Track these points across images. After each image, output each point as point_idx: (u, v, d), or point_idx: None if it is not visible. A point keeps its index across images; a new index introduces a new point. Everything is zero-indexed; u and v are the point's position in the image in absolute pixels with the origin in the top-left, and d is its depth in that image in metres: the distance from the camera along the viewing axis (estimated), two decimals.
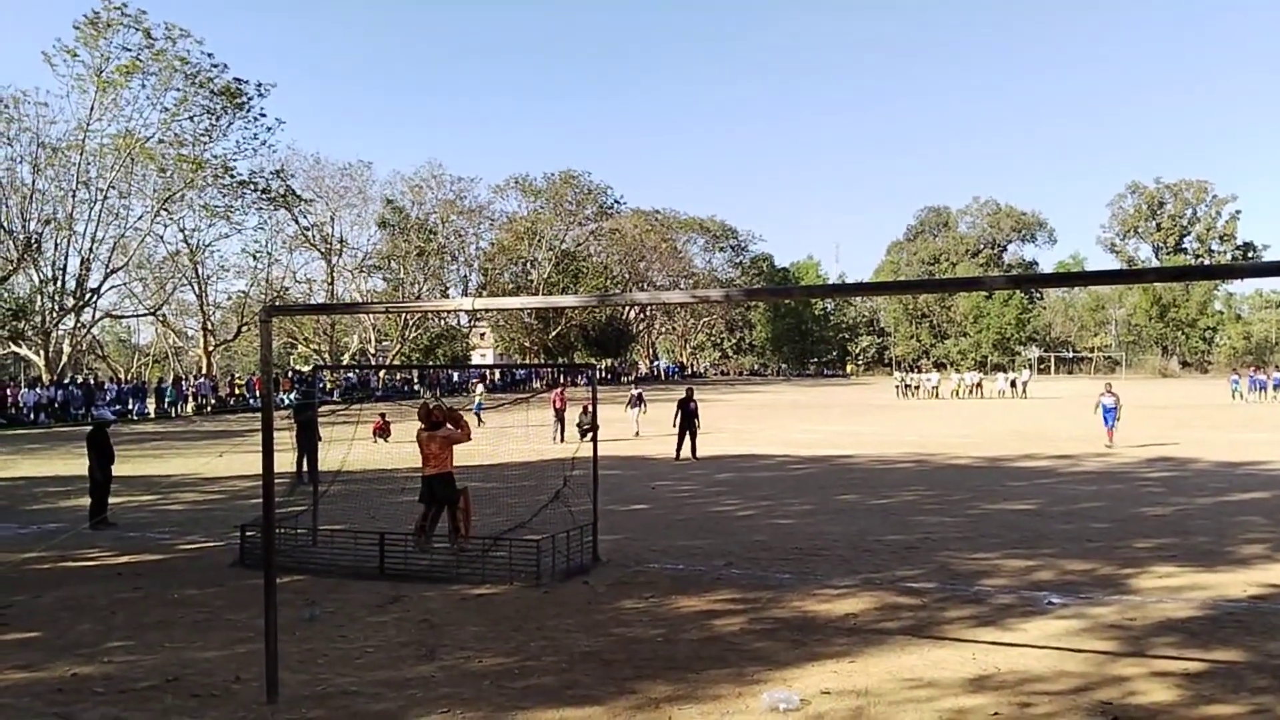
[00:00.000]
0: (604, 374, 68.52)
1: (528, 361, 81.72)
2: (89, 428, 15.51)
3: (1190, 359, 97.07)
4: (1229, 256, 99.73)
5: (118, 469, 14.81)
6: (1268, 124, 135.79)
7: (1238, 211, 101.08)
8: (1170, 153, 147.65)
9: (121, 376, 63.91)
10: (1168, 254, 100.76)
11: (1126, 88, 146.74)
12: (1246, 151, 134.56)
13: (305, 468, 18.00)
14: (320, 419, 19.81)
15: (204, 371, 57.62)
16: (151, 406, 46.05)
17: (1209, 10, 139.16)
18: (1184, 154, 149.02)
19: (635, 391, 30.87)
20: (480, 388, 37.73)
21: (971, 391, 56.58)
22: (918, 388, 56.18)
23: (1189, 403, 46.07)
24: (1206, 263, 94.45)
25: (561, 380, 44.93)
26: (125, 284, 58.31)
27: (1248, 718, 5.84)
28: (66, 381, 46.42)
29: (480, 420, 30.43)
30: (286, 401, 43.71)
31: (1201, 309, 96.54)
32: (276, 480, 6.66)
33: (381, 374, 58.13)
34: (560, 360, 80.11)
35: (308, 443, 18.05)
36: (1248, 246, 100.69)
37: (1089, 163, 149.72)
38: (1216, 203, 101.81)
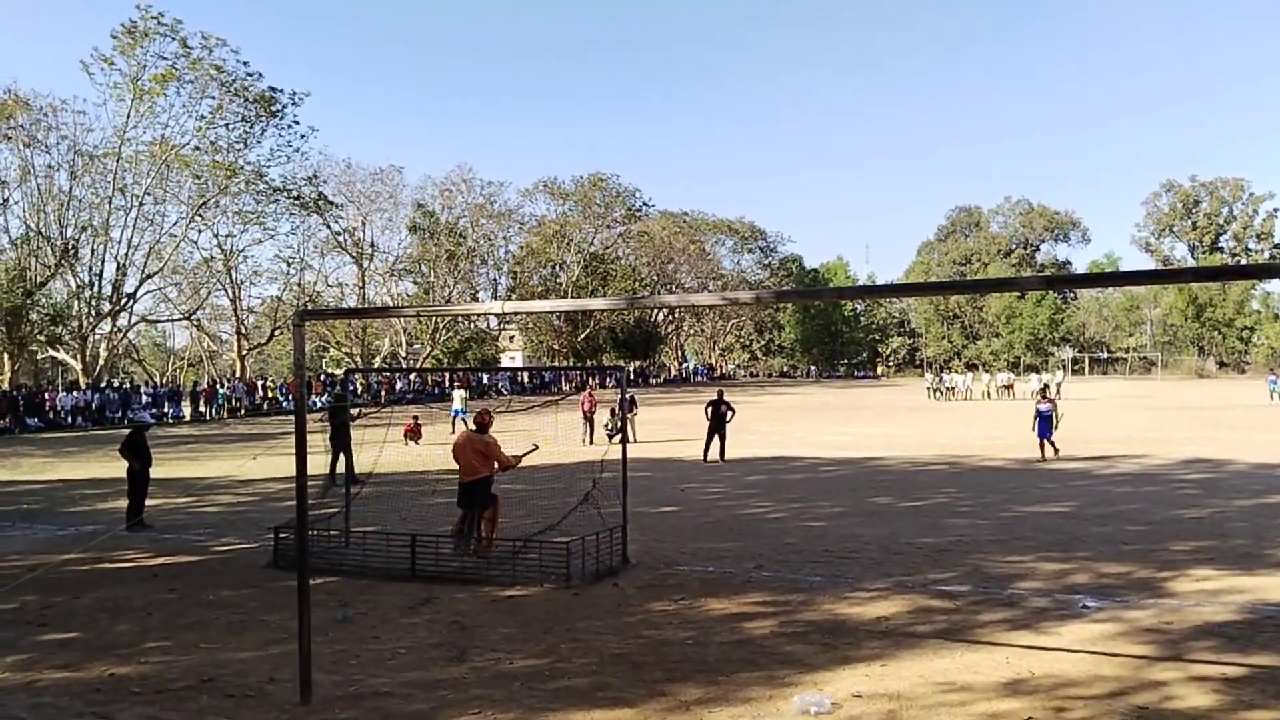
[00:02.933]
0: (634, 376, 68.52)
1: (556, 364, 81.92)
2: (127, 431, 15.72)
3: (1227, 359, 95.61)
4: (1266, 255, 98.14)
5: (154, 472, 15.00)
6: None
7: (1275, 209, 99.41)
8: (1206, 150, 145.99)
9: (157, 380, 64.82)
10: (1204, 253, 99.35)
11: (1161, 85, 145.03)
12: None
13: (339, 469, 18.26)
14: (353, 422, 20.05)
15: (238, 375, 58.23)
16: (187, 409, 46.61)
17: (1245, 6, 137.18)
18: (1220, 151, 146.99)
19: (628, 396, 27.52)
20: (461, 393, 36.12)
21: (1000, 393, 55.95)
22: (952, 389, 55.66)
23: (1226, 403, 45.39)
24: (1243, 261, 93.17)
25: (590, 382, 45.04)
26: (160, 289, 59.16)
27: None
28: (103, 385, 47.12)
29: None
30: (319, 404, 44.16)
31: (1238, 308, 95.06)
32: (310, 482, 6.73)
33: (413, 376, 58.39)
34: (589, 362, 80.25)
35: (342, 445, 18.31)
36: None
37: (1123, 161, 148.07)
38: (1253, 200, 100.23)
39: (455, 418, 30.98)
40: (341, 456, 18.31)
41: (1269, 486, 16.72)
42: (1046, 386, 25.41)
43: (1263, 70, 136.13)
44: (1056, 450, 21.46)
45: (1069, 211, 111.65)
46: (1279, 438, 26.74)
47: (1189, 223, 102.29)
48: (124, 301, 52.85)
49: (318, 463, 11.35)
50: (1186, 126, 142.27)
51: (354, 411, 22.68)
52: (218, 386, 50.39)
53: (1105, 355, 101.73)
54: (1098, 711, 6.00)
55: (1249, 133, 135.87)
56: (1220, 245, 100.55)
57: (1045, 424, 21.49)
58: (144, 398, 45.40)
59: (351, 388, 39.02)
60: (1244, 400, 47.40)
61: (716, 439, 22.31)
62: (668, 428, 31.24)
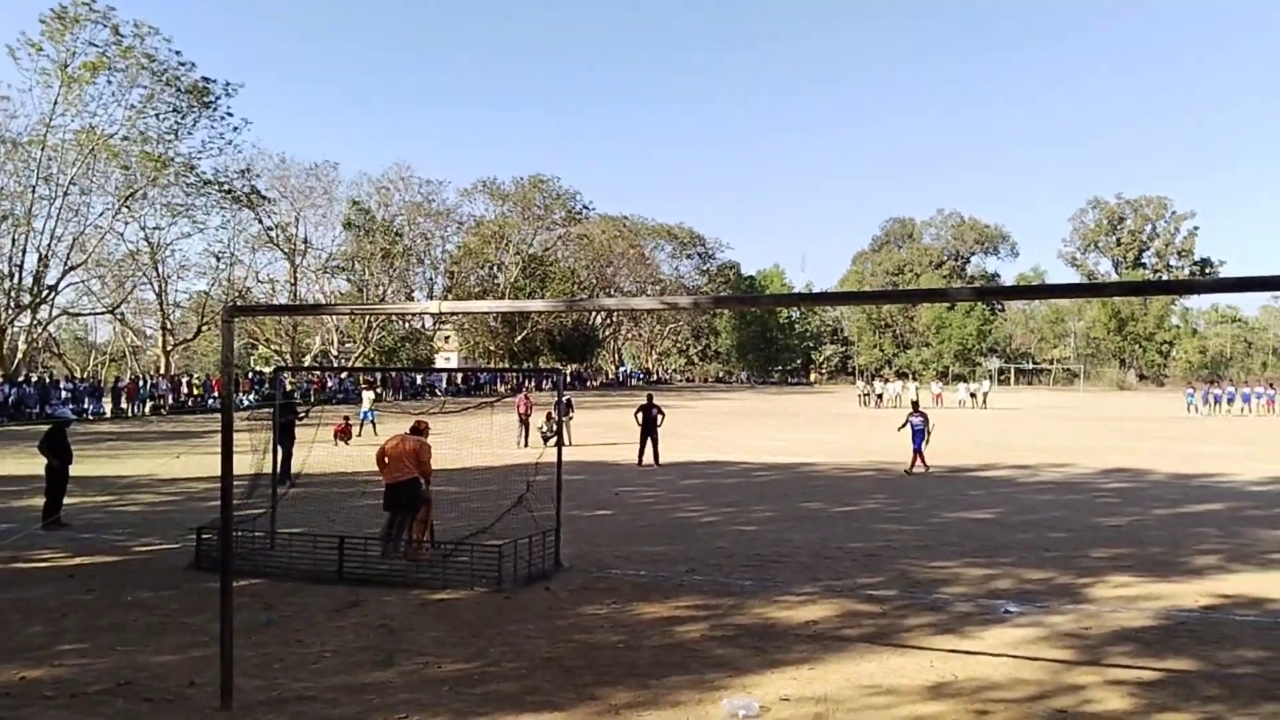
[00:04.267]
0: (570, 379, 68.31)
1: (492, 365, 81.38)
2: (46, 427, 15.22)
3: (1147, 372, 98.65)
4: (1186, 272, 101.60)
5: (73, 469, 14.55)
6: (1226, 141, 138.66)
7: (1196, 228, 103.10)
8: (1131, 168, 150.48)
9: (77, 375, 62.90)
10: (1127, 268, 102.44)
11: (1089, 104, 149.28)
12: (1206, 168, 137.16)
13: (288, 468, 18.02)
14: (299, 421, 19.81)
15: (162, 371, 56.79)
16: (108, 406, 45.32)
17: (1170, 31, 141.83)
18: (1145, 170, 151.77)
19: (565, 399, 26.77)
20: (369, 394, 35.22)
21: (934, 401, 57.03)
22: (881, 396, 56.57)
23: (1145, 415, 46.78)
24: (1165, 278, 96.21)
25: (526, 385, 44.76)
26: (83, 281, 57.39)
27: None
28: (21, 380, 45.57)
29: (375, 429, 29.01)
30: (246, 403, 43.26)
31: (1159, 323, 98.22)
32: (235, 482, 6.58)
33: (343, 376, 57.51)
34: (525, 365, 79.89)
35: (286, 445, 18.06)
36: (1205, 262, 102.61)
37: (1051, 178, 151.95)
38: (1175, 219, 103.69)
39: (364, 420, 30.40)
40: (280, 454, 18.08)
41: (1186, 496, 17.26)
42: (916, 401, 25.27)
43: (1187, 92, 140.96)
44: (926, 466, 20.91)
45: (999, 225, 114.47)
46: (1196, 449, 27.64)
47: (1113, 239, 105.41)
48: (45, 294, 51.23)
49: (243, 462, 11.09)
50: (1113, 146, 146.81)
51: (301, 411, 22.32)
52: (140, 383, 49.07)
53: (1031, 366, 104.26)
54: (1019, 714, 6.13)
55: (1173, 153, 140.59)
56: (1143, 261, 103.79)
57: (918, 437, 21.06)
58: (64, 393, 44.00)
59: (281, 387, 38.18)
60: (1163, 412, 48.93)
61: (650, 443, 22.38)
62: (603, 431, 31.22)
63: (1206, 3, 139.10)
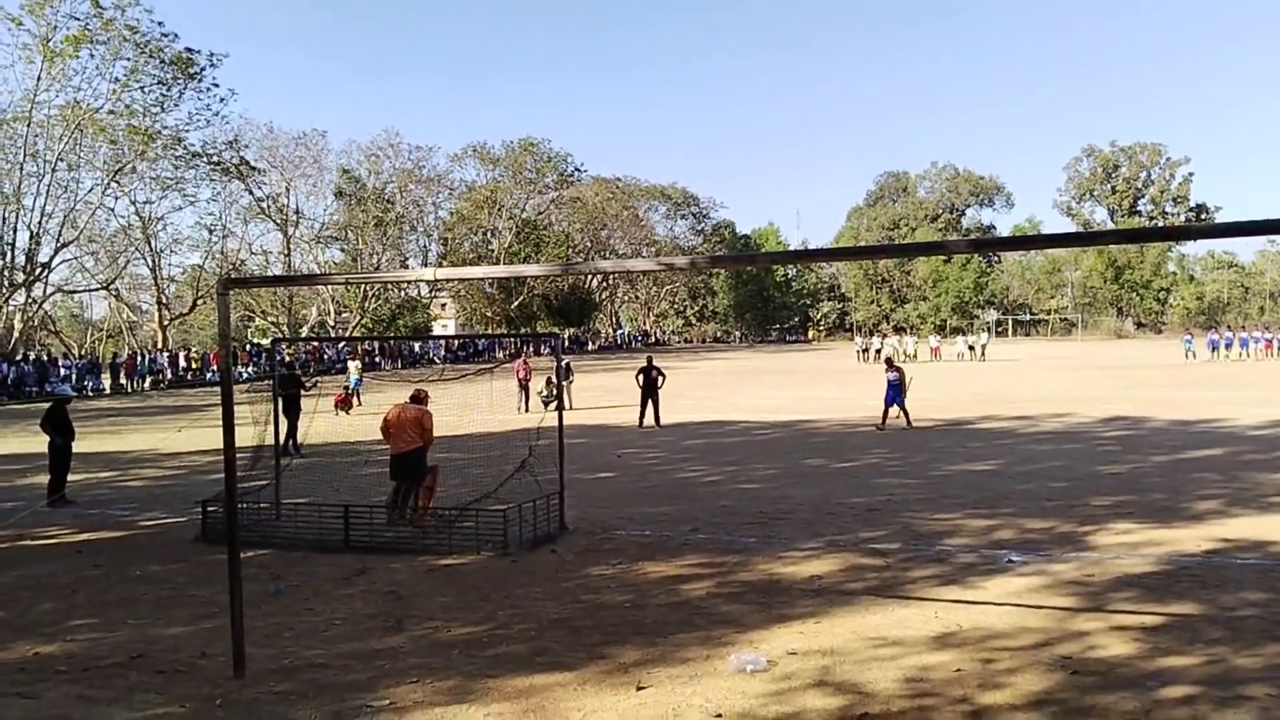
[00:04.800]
0: (568, 343, 68.32)
1: (490, 331, 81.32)
2: (46, 405, 15.23)
3: (1145, 320, 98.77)
4: (1183, 218, 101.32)
5: (76, 446, 14.57)
6: (1220, 86, 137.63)
7: (1191, 174, 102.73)
8: (1125, 116, 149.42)
9: (75, 352, 62.83)
10: (1123, 216, 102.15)
11: (1082, 52, 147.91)
12: (1200, 114, 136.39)
13: (296, 440, 18.24)
14: (305, 392, 19.94)
15: (159, 346, 56.73)
16: (107, 382, 45.32)
17: None
18: (1139, 117, 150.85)
19: (565, 363, 22.94)
20: (355, 364, 34.79)
21: (933, 354, 57.16)
22: (878, 351, 56.60)
23: (1143, 363, 46.88)
24: (1161, 224, 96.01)
25: (525, 350, 44.76)
26: (77, 258, 57.22)
27: (1203, 669, 5.98)
28: (19, 358, 45.52)
29: (359, 400, 28.65)
30: (244, 375, 43.25)
31: (1155, 271, 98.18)
32: (238, 455, 6.58)
33: (341, 345, 57.45)
34: (523, 330, 79.83)
35: (292, 416, 18.23)
36: (1201, 208, 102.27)
37: (1046, 127, 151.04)
38: (1170, 165, 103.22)
39: (354, 389, 30.03)
40: (285, 426, 18.29)
41: (1185, 443, 17.33)
42: (891, 357, 25.05)
43: (1181, 37, 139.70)
44: (909, 419, 20.82)
45: (993, 176, 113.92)
46: (1194, 395, 27.73)
47: (1109, 187, 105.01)
48: (38, 271, 51.03)
49: (245, 434, 11.10)
50: (1107, 92, 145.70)
51: (306, 382, 22.36)
52: (139, 358, 49.02)
53: (1028, 317, 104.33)
54: (1024, 662, 6.19)
55: (1167, 98, 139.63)
56: (1138, 209, 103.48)
57: (894, 391, 21.03)
58: (62, 370, 43.99)
59: (279, 358, 38.12)
60: (1161, 360, 49.02)
61: (650, 404, 22.42)
62: (603, 394, 31.26)
63: None
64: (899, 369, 21.59)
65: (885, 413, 21.04)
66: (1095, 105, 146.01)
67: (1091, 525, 10.38)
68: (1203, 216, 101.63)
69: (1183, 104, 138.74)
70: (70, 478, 14.18)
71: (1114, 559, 8.90)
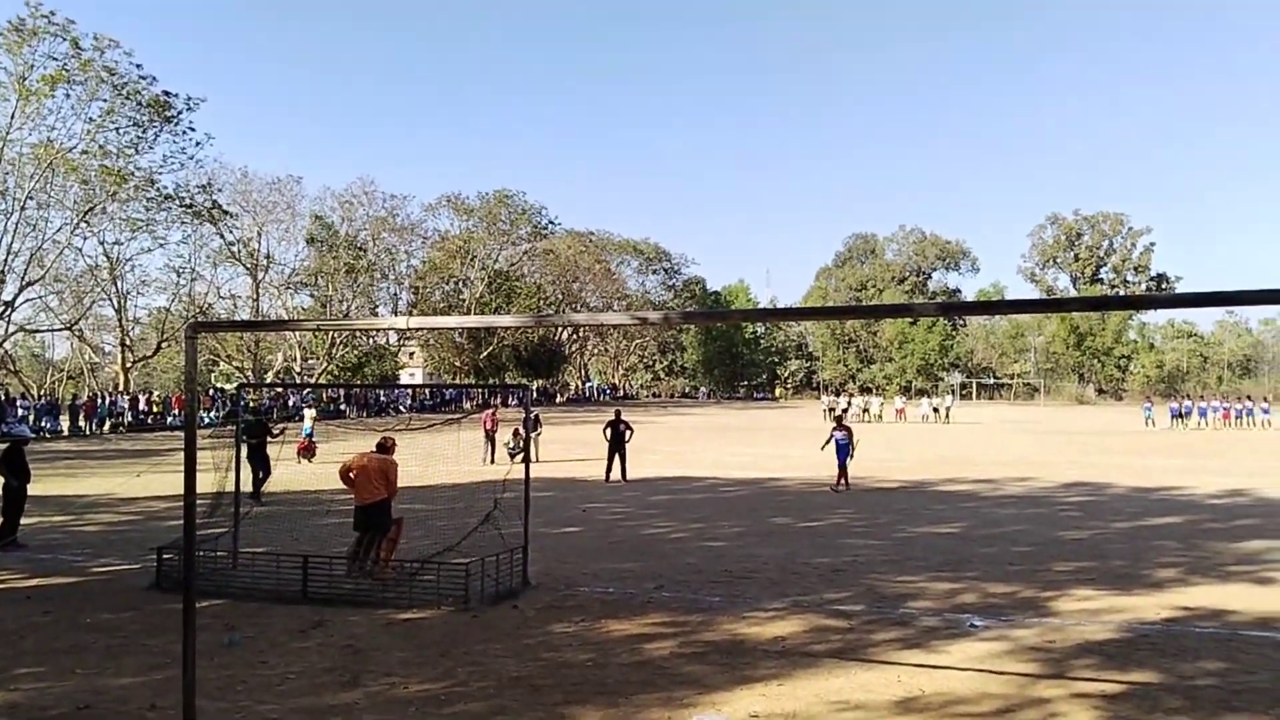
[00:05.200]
0: (537, 395, 68.09)
1: (458, 381, 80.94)
2: (3, 446, 14.93)
3: (1106, 386, 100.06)
4: (1143, 287, 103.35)
5: (31, 488, 14.28)
6: (1181, 159, 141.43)
7: (1152, 244, 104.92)
8: (1088, 185, 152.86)
9: (34, 392, 61.74)
10: (1085, 284, 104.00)
11: (1047, 121, 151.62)
12: (1163, 185, 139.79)
13: (256, 488, 18.17)
14: (272, 439, 19.71)
15: (121, 388, 55.89)
16: (66, 424, 44.53)
17: (1127, 51, 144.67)
18: (1102, 186, 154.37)
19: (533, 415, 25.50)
20: (310, 412, 33.99)
21: (897, 416, 57.61)
22: (846, 409, 56.94)
23: (1105, 429, 47.44)
24: (1122, 293, 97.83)
25: (493, 401, 44.55)
26: (41, 298, 56.38)
27: None
28: None
29: (313, 450, 27.38)
30: (207, 420, 42.67)
31: (1116, 338, 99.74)
32: (198, 500, 6.48)
33: (306, 393, 56.86)
34: (491, 380, 79.52)
35: (261, 463, 18.03)
36: (1161, 278, 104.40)
37: (1011, 194, 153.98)
38: (1132, 235, 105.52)
39: (307, 437, 29.17)
40: (247, 472, 18.02)
41: (1145, 509, 17.50)
42: (841, 415, 23.57)
43: (1144, 109, 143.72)
44: (847, 484, 20.48)
45: (959, 241, 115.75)
46: (1154, 463, 28.06)
47: (1071, 255, 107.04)
48: (1, 310, 50.28)
49: (205, 480, 10.94)
50: (1071, 162, 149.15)
51: (275, 429, 22.07)
52: (99, 400, 48.26)
53: (992, 381, 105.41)
54: None
55: (1130, 169, 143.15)
56: (1100, 277, 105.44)
57: (842, 451, 20.60)
58: (20, 410, 43.19)
59: (243, 403, 37.57)
60: (1122, 426, 49.64)
61: (617, 459, 22.36)
62: (571, 447, 31.14)
63: (1159, 26, 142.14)
64: (848, 428, 21.30)
65: (843, 471, 20.60)
66: (1060, 174, 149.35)
67: (1053, 590, 10.43)
68: (1163, 286, 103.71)
69: (1145, 175, 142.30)
70: (23, 521, 13.87)
71: (1075, 625, 8.93)
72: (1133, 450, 33.30)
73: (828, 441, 21.11)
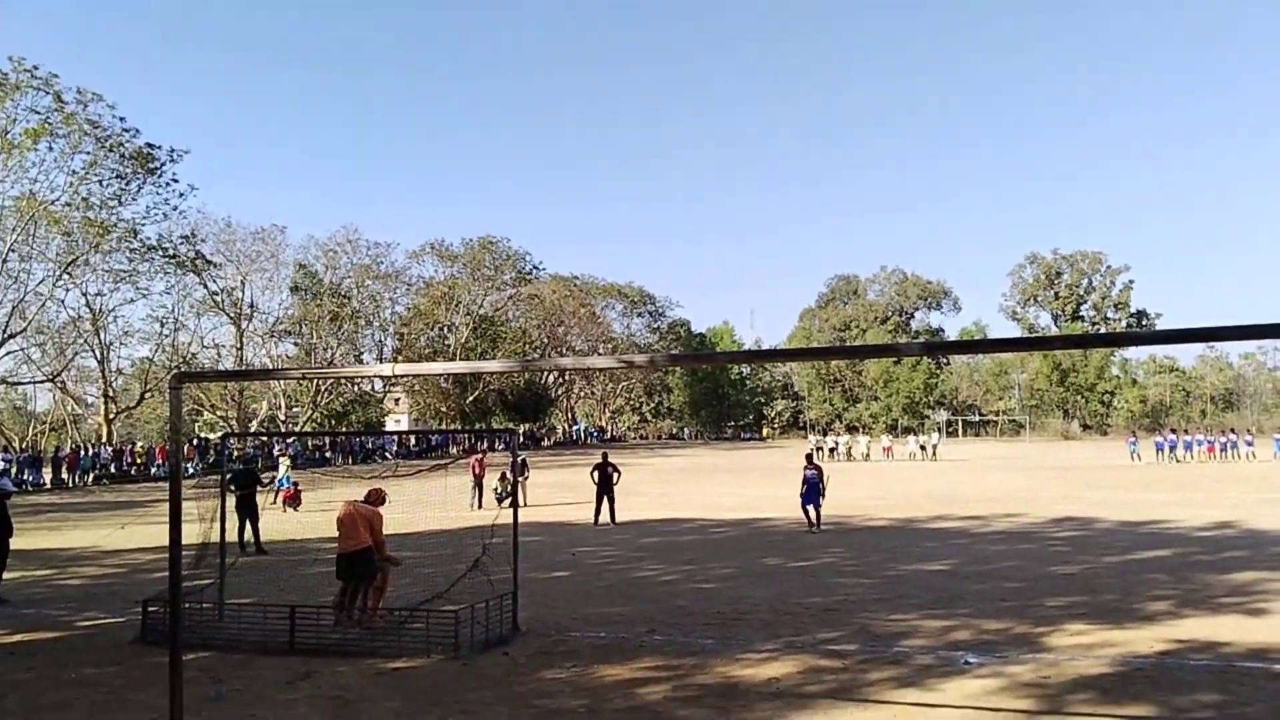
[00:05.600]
0: (524, 439, 67.87)
1: (444, 426, 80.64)
2: None
3: (1090, 422, 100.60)
4: (1123, 324, 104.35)
5: (13, 542, 14.08)
6: (1158, 197, 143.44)
7: (1131, 281, 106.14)
8: (1067, 223, 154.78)
9: (16, 445, 61.16)
10: (1066, 321, 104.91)
11: (1025, 161, 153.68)
12: (1139, 223, 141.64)
13: (248, 538, 17.98)
14: (261, 489, 19.53)
15: (104, 440, 55.43)
16: (48, 476, 44.08)
17: (1104, 89, 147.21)
18: (1080, 225, 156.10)
19: (520, 459, 24.03)
20: (285, 461, 33.41)
21: (883, 454, 57.71)
22: (833, 450, 57.06)
23: (1091, 464, 47.57)
24: (1102, 330, 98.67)
25: (481, 446, 44.35)
26: (23, 349, 56.03)
27: None
28: None
29: (298, 499, 26.93)
30: (191, 470, 42.29)
31: (1099, 374, 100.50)
32: (183, 552, 6.42)
33: (290, 441, 56.51)
34: (478, 425, 79.26)
35: (250, 514, 18.03)
36: (1141, 314, 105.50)
37: (991, 234, 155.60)
38: (1110, 273, 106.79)
39: (281, 488, 28.47)
40: (248, 525, 18.08)
41: (1134, 543, 17.52)
42: (811, 453, 22.67)
43: (1121, 147, 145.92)
44: (818, 524, 20.15)
45: (941, 281, 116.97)
46: (1141, 497, 28.13)
47: (1051, 293, 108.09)
48: None
49: (190, 531, 10.83)
50: (1049, 201, 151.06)
51: (265, 479, 21.90)
52: (81, 452, 47.83)
53: (977, 418, 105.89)
54: None
55: (1107, 207, 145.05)
56: (1081, 314, 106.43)
57: (811, 491, 20.16)
58: (1, 464, 42.75)
59: (228, 454, 37.23)
60: (1107, 461, 49.79)
61: (606, 501, 22.27)
62: (558, 491, 31.00)
63: (1135, 64, 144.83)
64: (818, 466, 20.74)
65: (811, 513, 20.15)
66: (1038, 213, 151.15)
67: (1046, 626, 10.40)
68: (1143, 323, 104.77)
69: (1122, 213, 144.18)
70: (5, 575, 13.67)
71: (1070, 660, 8.90)
72: (1120, 485, 33.38)
73: (804, 483, 20.47)
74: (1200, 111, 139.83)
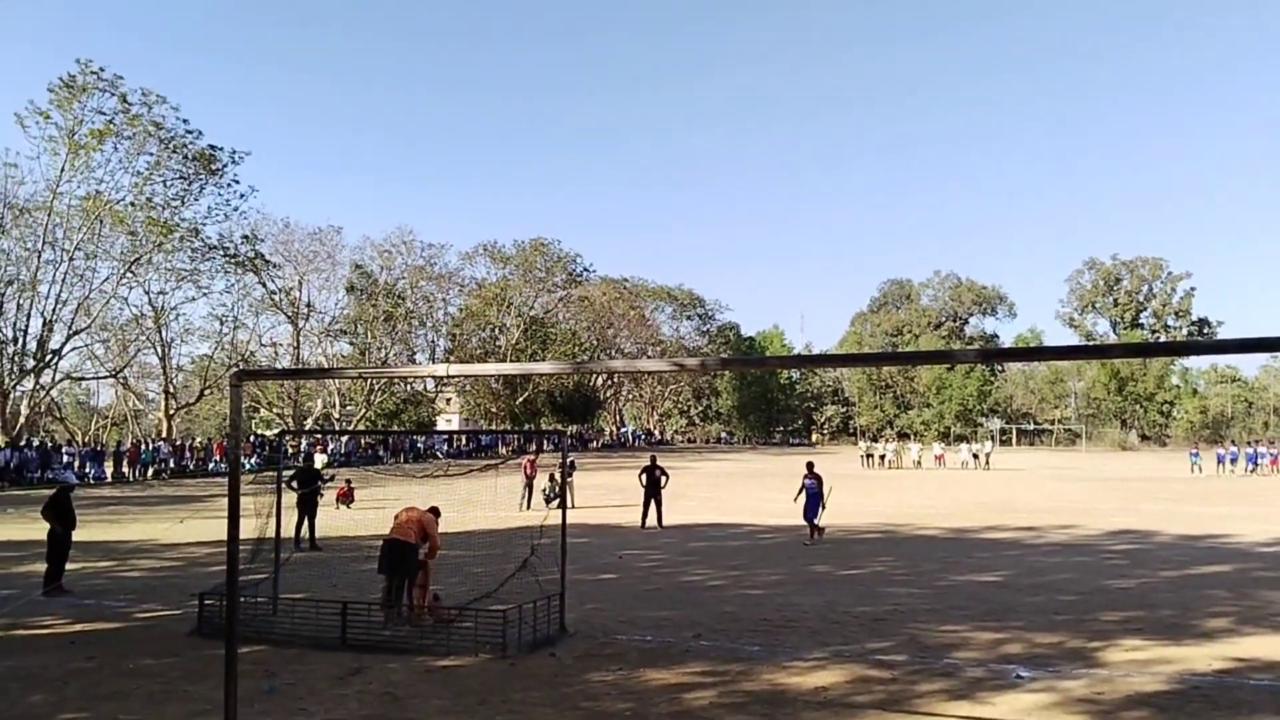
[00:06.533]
0: (571, 440, 68.12)
1: (494, 427, 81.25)
2: (49, 491, 15.17)
3: (1149, 432, 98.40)
4: (1184, 332, 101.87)
5: (75, 534, 14.47)
6: (1221, 202, 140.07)
7: (1192, 288, 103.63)
8: (1127, 229, 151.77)
9: (79, 439, 62.76)
10: (1125, 329, 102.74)
11: (1084, 165, 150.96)
12: (1201, 229, 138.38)
13: (303, 534, 18.46)
14: (322, 484, 19.90)
15: (164, 435, 56.68)
16: (109, 470, 45.17)
17: (1166, 94, 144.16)
18: (1140, 230, 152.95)
19: (569, 459, 24.50)
20: (321, 457, 33.03)
21: (936, 462, 57.01)
22: (884, 457, 56.49)
23: (1149, 476, 46.57)
24: (1163, 338, 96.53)
25: (531, 447, 44.62)
26: (87, 345, 57.51)
27: None
28: (22, 444, 45.48)
29: (346, 496, 26.93)
30: (248, 466, 43.04)
31: (1159, 383, 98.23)
32: (239, 547, 6.55)
33: (344, 439, 57.31)
34: (527, 426, 79.71)
35: (309, 511, 18.58)
36: (1202, 322, 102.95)
37: (1048, 238, 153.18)
38: (1172, 279, 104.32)
39: (346, 485, 28.18)
40: (305, 521, 18.55)
41: (1193, 558, 17.12)
42: (811, 462, 21.04)
43: (1183, 153, 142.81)
44: (820, 533, 19.52)
45: (996, 286, 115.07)
46: (1202, 510, 27.47)
47: (1110, 299, 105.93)
48: (48, 358, 51.33)
49: (247, 526, 11.04)
50: (1108, 206, 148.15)
51: (327, 475, 22.30)
52: (142, 447, 48.93)
53: (1032, 427, 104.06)
54: None
55: (1169, 213, 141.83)
56: (1140, 321, 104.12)
57: (813, 501, 19.51)
58: (65, 457, 43.90)
59: (282, 449, 37.82)
60: (1166, 473, 48.69)
61: (653, 504, 22.27)
62: (606, 493, 31.07)
63: (1198, 69, 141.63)
64: (817, 475, 19.92)
65: (813, 526, 19.44)
66: (1097, 218, 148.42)
67: (1101, 641, 10.21)
68: (1205, 331, 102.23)
69: (1184, 219, 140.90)
70: (68, 567, 14.04)
71: (1124, 676, 8.73)
72: (1179, 497, 32.63)
73: (800, 492, 19.85)
74: (1265, 115, 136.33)
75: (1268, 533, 20.98)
